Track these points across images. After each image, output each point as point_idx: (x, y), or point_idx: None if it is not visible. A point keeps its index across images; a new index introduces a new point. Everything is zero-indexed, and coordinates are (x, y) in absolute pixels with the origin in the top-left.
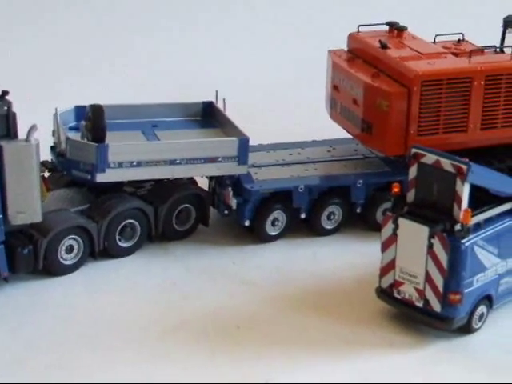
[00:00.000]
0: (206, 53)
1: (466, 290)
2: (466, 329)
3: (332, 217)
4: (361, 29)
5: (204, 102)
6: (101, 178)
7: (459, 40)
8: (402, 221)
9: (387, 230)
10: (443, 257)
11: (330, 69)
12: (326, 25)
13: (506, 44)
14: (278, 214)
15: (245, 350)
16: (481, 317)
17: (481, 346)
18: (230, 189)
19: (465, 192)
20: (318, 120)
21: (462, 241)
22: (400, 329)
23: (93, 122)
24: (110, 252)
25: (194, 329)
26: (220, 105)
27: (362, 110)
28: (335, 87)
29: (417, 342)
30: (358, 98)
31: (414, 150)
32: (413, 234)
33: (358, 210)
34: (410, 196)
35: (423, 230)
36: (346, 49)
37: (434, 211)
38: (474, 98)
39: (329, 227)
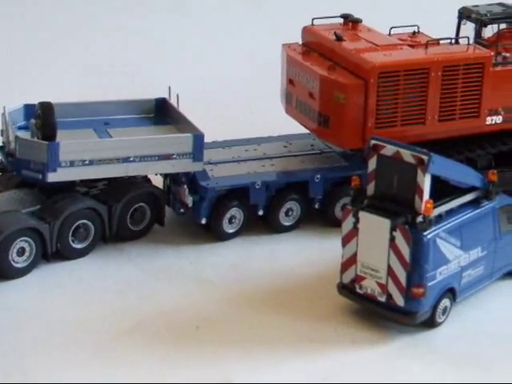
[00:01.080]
0: (159, 49)
1: (429, 284)
2: (430, 323)
3: (290, 213)
4: (315, 22)
5: (156, 99)
6: (52, 177)
7: (414, 32)
8: (362, 214)
9: (347, 224)
10: (405, 250)
11: (285, 63)
12: (280, 18)
13: (461, 35)
14: (235, 212)
15: (203, 350)
16: (444, 310)
17: (445, 340)
18: (185, 186)
19: (426, 183)
20: (273, 116)
21: (424, 233)
22: (362, 325)
23: (42, 119)
24: (63, 254)
25: (150, 330)
26: (173, 101)
27: (319, 104)
28: (290, 81)
29: (379, 337)
30: (315, 92)
31: (373, 142)
32: (374, 228)
33: (317, 206)
34: (370, 189)
35: (384, 223)
36: (300, 42)
37: (395, 204)
38: (432, 89)
39: (287, 224)
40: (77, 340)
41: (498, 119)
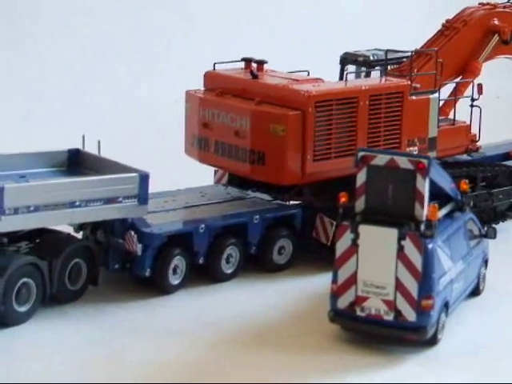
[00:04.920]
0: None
1: (436, 295)
2: (432, 340)
3: (230, 259)
4: (216, 66)
5: (69, 150)
6: None
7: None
8: (363, 228)
9: (344, 241)
10: (417, 258)
11: (197, 107)
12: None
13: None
14: (178, 261)
15: None
16: (443, 326)
17: (451, 356)
18: (132, 233)
19: (426, 188)
20: (167, 170)
21: (430, 240)
22: (364, 351)
23: None
24: (6, 320)
25: (149, 381)
26: (88, 150)
27: (251, 141)
28: (205, 125)
29: (388, 361)
30: (243, 129)
31: (361, 154)
32: (378, 240)
33: (253, 251)
34: (360, 204)
35: (391, 234)
36: (201, 88)
37: (390, 215)
38: (361, 119)
39: (229, 271)
40: None
41: (415, 150)
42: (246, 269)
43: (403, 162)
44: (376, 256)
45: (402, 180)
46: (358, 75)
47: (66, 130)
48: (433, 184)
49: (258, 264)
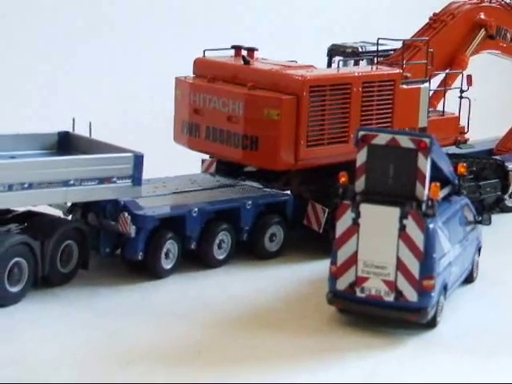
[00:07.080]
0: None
1: (436, 276)
2: (431, 322)
3: (222, 245)
4: (206, 53)
5: (59, 132)
6: None
7: None
8: (364, 207)
9: (345, 221)
10: (419, 237)
11: (188, 93)
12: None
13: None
14: (171, 245)
15: (213, 376)
16: (442, 308)
17: (450, 338)
18: (126, 214)
19: (428, 167)
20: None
21: (431, 219)
22: (365, 332)
23: None
24: None
25: (147, 365)
26: (78, 132)
27: (244, 126)
28: (196, 111)
29: (391, 341)
30: (236, 114)
31: (362, 133)
32: (379, 220)
33: (245, 238)
34: (360, 184)
35: (393, 212)
36: (191, 75)
37: (391, 195)
38: (354, 105)
39: (220, 257)
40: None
41: None
42: (237, 256)
43: (404, 141)
44: (377, 235)
45: (404, 159)
46: (346, 65)
47: (56, 113)
48: (432, 165)
49: (249, 251)
